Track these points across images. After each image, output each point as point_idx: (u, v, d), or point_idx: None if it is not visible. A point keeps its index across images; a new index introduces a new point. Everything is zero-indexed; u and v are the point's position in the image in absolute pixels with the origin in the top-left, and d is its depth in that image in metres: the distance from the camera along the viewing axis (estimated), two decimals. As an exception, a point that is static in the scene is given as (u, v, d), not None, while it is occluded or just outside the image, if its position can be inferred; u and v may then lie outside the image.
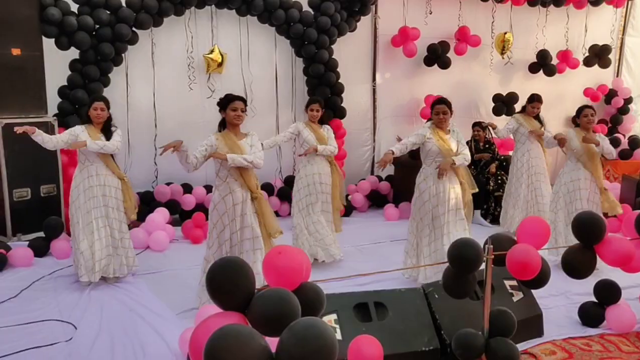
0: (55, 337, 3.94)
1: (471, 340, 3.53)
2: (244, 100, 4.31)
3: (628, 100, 9.51)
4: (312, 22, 6.96)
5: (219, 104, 4.31)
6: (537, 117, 6.53)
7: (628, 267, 3.95)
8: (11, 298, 4.67)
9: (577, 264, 3.76)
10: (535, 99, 6.47)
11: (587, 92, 9.33)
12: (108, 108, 4.94)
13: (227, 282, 2.51)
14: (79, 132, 4.80)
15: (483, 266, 3.45)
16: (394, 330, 3.58)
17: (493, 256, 3.47)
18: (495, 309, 3.63)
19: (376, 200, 7.84)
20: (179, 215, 6.87)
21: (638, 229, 4.03)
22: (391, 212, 7.33)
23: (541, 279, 3.59)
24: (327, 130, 5.66)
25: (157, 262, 5.67)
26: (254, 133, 4.40)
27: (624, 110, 9.47)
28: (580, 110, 5.60)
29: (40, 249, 5.68)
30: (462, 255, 3.31)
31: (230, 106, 4.23)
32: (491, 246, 3.47)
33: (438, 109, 4.96)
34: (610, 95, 9.46)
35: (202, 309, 3.72)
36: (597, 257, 3.77)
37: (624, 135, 9.36)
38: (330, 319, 3.53)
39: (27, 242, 5.74)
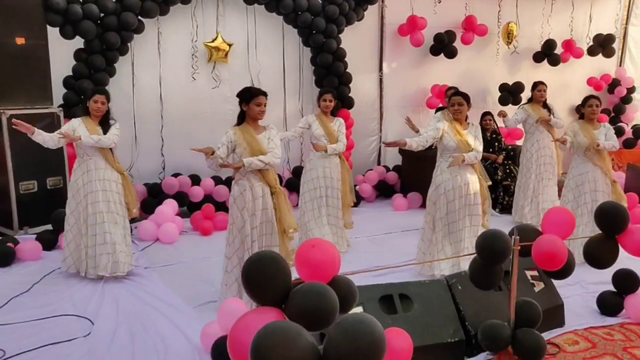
0: (73, 333, 3.88)
1: (498, 331, 3.51)
2: (266, 95, 4.19)
3: (631, 90, 9.50)
4: (320, 11, 6.88)
5: (240, 95, 4.16)
6: (546, 106, 6.50)
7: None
8: (23, 293, 4.59)
9: (599, 254, 3.75)
10: (538, 83, 6.49)
11: (590, 81, 9.33)
12: (108, 101, 4.81)
13: (263, 276, 2.46)
14: (76, 126, 4.66)
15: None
16: (419, 322, 3.55)
17: (519, 247, 3.45)
18: (520, 299, 3.61)
19: (384, 191, 7.81)
20: (187, 207, 6.79)
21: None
22: (400, 202, 7.30)
23: (566, 270, 3.57)
24: (338, 125, 5.57)
25: (168, 254, 5.60)
26: (273, 127, 4.29)
27: (626, 99, 9.47)
28: (585, 100, 5.56)
29: (49, 242, 5.61)
30: (492, 247, 3.27)
31: (255, 101, 4.09)
32: (517, 237, 3.44)
33: (454, 100, 4.89)
34: (614, 84, 9.46)
35: (225, 303, 3.66)
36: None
37: (627, 125, 9.36)
38: (356, 311, 3.50)
39: (34, 235, 5.67)
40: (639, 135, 8.89)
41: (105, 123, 4.76)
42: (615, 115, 9.61)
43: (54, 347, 3.69)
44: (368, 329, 2.04)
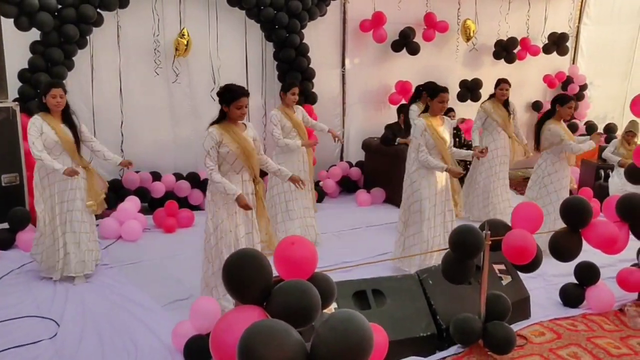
0: (38, 335, 3.77)
1: (469, 324, 3.59)
2: (248, 95, 4.03)
3: (583, 87, 9.81)
4: (283, 6, 6.81)
5: (220, 95, 3.98)
6: (506, 104, 6.59)
7: (611, 250, 4.11)
8: (-19, 294, 4.43)
9: (564, 248, 3.87)
10: (502, 81, 6.51)
11: (546, 78, 9.58)
12: (66, 93, 4.63)
13: (245, 274, 2.44)
14: (39, 126, 4.44)
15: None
16: (392, 317, 3.60)
17: (490, 242, 3.53)
18: (490, 293, 3.70)
19: (347, 186, 7.83)
20: (149, 203, 6.66)
21: (618, 212, 4.18)
22: (363, 198, 7.34)
23: (535, 263, 3.69)
24: (302, 115, 5.68)
25: (132, 252, 5.48)
26: (250, 124, 4.22)
27: (579, 96, 9.76)
28: (564, 100, 5.47)
29: (5, 242, 5.42)
30: (465, 241, 3.34)
31: (235, 104, 3.90)
32: (488, 232, 3.52)
33: (443, 97, 4.83)
34: (567, 81, 9.74)
35: (197, 302, 3.61)
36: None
37: (579, 121, 9.66)
38: (330, 308, 3.50)
39: (-10, 235, 5.45)
40: (592, 131, 9.16)
41: (68, 118, 4.60)
42: (569, 111, 9.88)
43: (19, 350, 3.59)
44: (357, 327, 2.05)
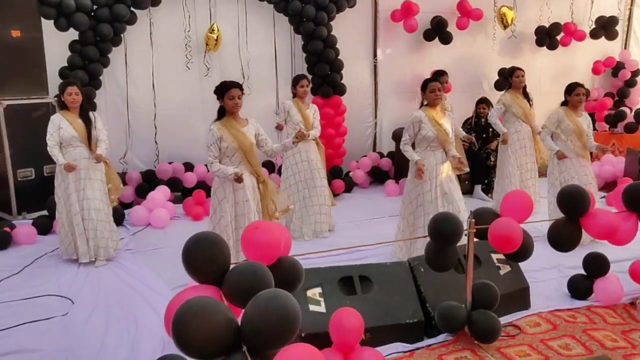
0: (52, 312, 4.08)
1: (454, 312, 3.59)
2: (240, 87, 4.26)
3: (636, 73, 9.36)
4: (310, -1, 6.95)
5: (215, 92, 4.27)
6: (525, 93, 6.40)
7: (614, 240, 3.98)
8: (14, 274, 4.83)
9: (562, 237, 3.80)
10: (516, 69, 6.33)
11: (596, 64, 9.20)
12: (81, 90, 4.93)
13: (202, 256, 2.60)
14: (57, 122, 4.83)
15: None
16: (378, 303, 3.65)
17: (475, 230, 3.52)
18: (479, 282, 3.69)
19: (378, 177, 7.88)
20: (182, 193, 6.97)
21: (625, 201, 4.04)
22: (392, 188, 7.37)
23: (524, 252, 3.63)
24: (314, 112, 5.75)
25: (157, 239, 5.78)
26: (253, 119, 4.40)
27: (631, 82, 9.34)
28: (572, 87, 5.40)
29: (44, 227, 5.83)
30: (441, 229, 3.35)
31: (227, 95, 4.18)
32: (473, 220, 3.51)
33: (433, 87, 4.78)
34: (618, 67, 9.33)
35: (191, 283, 3.80)
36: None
37: (630, 109, 9.23)
38: (315, 292, 3.61)
39: (31, 221, 5.89)
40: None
41: (85, 114, 4.92)
42: (619, 99, 9.48)
43: (33, 325, 3.89)
44: (280, 304, 2.15)
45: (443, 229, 3.35)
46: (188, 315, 2.14)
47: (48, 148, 4.83)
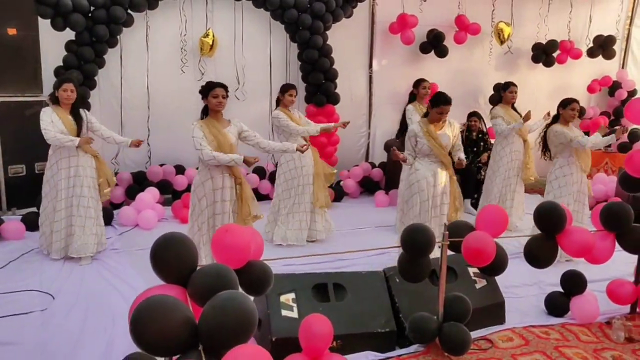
0: (31, 307, 4.11)
1: (425, 323, 3.62)
2: (224, 87, 4.38)
3: (632, 93, 9.40)
4: (307, 8, 7.00)
5: (200, 91, 4.39)
6: (514, 109, 6.43)
7: (590, 258, 4.01)
8: (-1, 269, 4.87)
9: (538, 254, 3.82)
10: (510, 84, 6.38)
11: (593, 83, 9.23)
12: (77, 89, 5.00)
13: (169, 256, 2.64)
14: (50, 116, 4.88)
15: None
16: (350, 311, 3.68)
17: (448, 242, 3.55)
18: (452, 294, 3.71)
19: (368, 187, 7.90)
20: (172, 195, 7.01)
21: (602, 221, 4.07)
22: (381, 199, 7.39)
23: (498, 266, 3.66)
24: (299, 114, 5.85)
25: (144, 239, 5.77)
26: (238, 120, 4.48)
27: (627, 102, 9.35)
28: (568, 102, 5.44)
29: (33, 223, 5.86)
30: (413, 240, 3.39)
31: (212, 93, 4.31)
32: (447, 232, 3.55)
33: (443, 109, 4.84)
34: (614, 87, 9.36)
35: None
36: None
37: (626, 129, 9.24)
38: (288, 298, 3.64)
39: (21, 217, 5.94)
40: (635, 139, 8.77)
41: (76, 112, 4.97)
42: (615, 118, 9.51)
43: (11, 318, 3.94)
44: (237, 305, 2.19)
45: (415, 240, 3.38)
46: (145, 312, 2.18)
47: (50, 137, 4.80)
